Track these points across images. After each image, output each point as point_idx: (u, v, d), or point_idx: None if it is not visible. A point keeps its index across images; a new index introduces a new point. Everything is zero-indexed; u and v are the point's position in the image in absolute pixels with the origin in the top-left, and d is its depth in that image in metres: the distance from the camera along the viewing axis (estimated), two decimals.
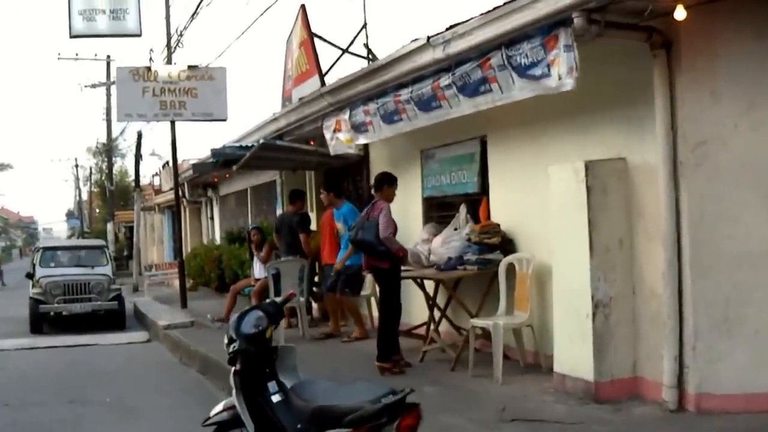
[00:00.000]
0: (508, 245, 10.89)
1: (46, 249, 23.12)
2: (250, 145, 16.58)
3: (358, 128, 12.90)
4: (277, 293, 13.91)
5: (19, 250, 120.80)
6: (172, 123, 20.91)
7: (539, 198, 10.13)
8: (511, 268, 10.52)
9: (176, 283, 28.84)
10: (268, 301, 7.35)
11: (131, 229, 44.98)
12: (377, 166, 14.46)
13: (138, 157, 34.96)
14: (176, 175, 21.78)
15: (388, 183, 11.10)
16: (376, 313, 14.20)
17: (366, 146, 14.38)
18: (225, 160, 18.09)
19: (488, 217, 11.37)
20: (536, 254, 10.23)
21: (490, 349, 10.31)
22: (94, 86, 47.07)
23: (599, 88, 8.98)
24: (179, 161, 35.00)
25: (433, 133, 11.93)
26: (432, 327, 11.66)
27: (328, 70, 15.66)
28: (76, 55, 47.14)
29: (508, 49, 8.86)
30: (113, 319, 20.75)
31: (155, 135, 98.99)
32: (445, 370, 10.64)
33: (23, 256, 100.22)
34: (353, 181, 16.11)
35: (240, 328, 6.28)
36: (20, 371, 14.18)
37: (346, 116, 13.15)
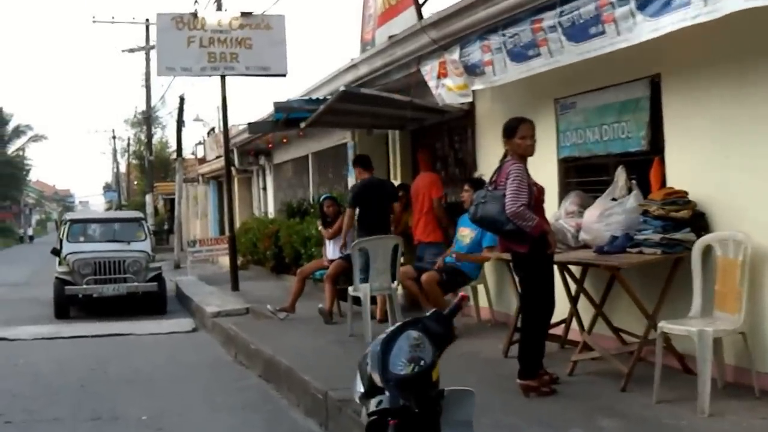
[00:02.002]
0: (698, 221, 7.88)
1: (74, 221, 19.99)
2: (321, 98, 13.70)
3: (472, 70, 9.97)
4: (364, 279, 10.99)
5: (54, 223, 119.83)
6: (223, 78, 18.30)
7: (749, 156, 7.32)
8: (705, 252, 7.54)
9: (222, 260, 26.61)
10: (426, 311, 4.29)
11: (172, 201, 42.71)
12: (487, 122, 11.53)
13: (180, 123, 32.12)
14: (227, 137, 18.91)
15: (507, 133, 7.78)
16: (484, 304, 11.34)
17: (473, 97, 11.44)
18: (288, 119, 15.23)
19: (663, 183, 8.36)
20: (749, 234, 7.24)
21: (661, 360, 7.38)
22: (132, 51, 44.42)
23: None
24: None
25: (575, 74, 9.01)
26: (575, 327, 8.88)
27: (423, 3, 12.57)
28: (113, 18, 44.87)
29: None
30: (152, 303, 17.81)
31: (198, 98, 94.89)
32: (611, 389, 7.66)
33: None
34: (451, 143, 13.08)
35: (389, 364, 3.41)
36: (35, 371, 11.35)
37: (455, 56, 10.23)
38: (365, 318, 10.60)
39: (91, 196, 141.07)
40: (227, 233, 19.73)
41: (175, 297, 20.08)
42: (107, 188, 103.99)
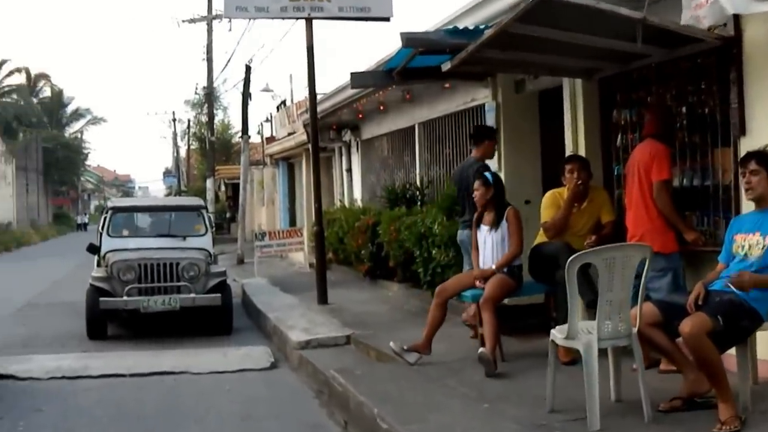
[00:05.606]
0: None
1: (117, 210, 15.35)
2: (470, 28, 9.29)
3: None
4: (592, 303, 6.43)
5: None
6: (309, 22, 14.17)
7: None
8: None
9: (294, 256, 22.97)
10: None
11: (234, 186, 38.92)
12: (762, 56, 7.04)
13: (246, 95, 27.89)
14: (313, 96, 14.55)
15: None
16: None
17: (736, 21, 7.00)
18: (406, 69, 10.90)
19: None
20: None
21: None
22: (193, 21, 40.09)
23: None
24: (298, 99, 28.14)
25: None
26: None
27: None
28: None
29: None
30: (214, 318, 13.48)
31: (266, 69, 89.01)
32: None
33: None
34: (682, 94, 8.36)
35: None
36: None
37: None
38: (589, 389, 5.99)
39: (151, 181, 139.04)
40: (311, 225, 15.70)
41: (241, 305, 15.87)
42: (167, 173, 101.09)
